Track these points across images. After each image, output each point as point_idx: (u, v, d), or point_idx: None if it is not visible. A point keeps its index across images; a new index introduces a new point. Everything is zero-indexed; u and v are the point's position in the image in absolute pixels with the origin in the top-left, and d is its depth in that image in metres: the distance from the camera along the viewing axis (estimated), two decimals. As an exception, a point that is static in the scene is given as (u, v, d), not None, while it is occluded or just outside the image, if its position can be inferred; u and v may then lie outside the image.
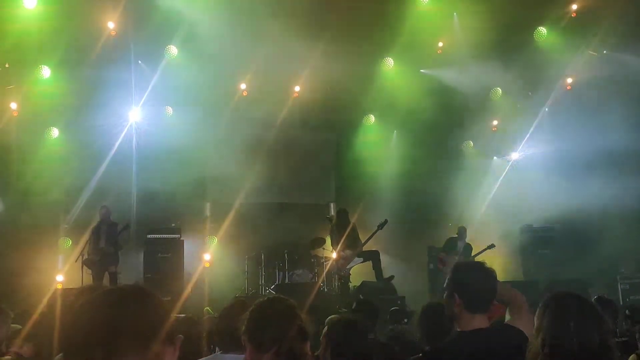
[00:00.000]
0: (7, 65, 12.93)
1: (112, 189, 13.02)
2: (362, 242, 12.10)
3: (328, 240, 13.21)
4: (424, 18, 13.46)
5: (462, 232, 13.23)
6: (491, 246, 12.74)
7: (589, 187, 12.92)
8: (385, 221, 11.90)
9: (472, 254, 12.92)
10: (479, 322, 3.28)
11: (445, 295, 3.43)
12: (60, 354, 3.90)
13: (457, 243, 13.14)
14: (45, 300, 8.95)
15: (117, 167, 13.38)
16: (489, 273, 3.40)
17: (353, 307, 5.05)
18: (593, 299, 5.83)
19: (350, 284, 12.27)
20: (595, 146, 13.43)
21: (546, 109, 15.16)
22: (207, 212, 15.05)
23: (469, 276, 3.41)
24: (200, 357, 3.67)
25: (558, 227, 14.30)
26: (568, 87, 14.77)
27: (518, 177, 14.89)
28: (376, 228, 11.89)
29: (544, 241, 14.26)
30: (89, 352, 1.44)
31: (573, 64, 14.09)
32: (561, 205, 13.53)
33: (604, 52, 13.91)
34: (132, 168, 13.62)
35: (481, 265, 3.47)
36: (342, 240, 12.02)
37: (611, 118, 13.31)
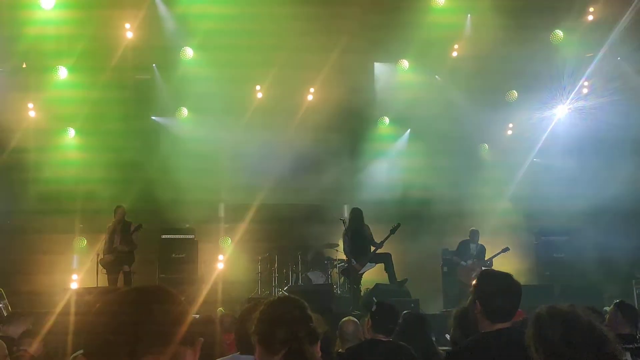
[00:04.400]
0: (24, 65, 13.04)
1: (127, 189, 13.10)
2: (376, 245, 11.99)
3: (341, 242, 13.17)
4: (440, 20, 13.48)
5: (474, 234, 13.14)
6: (505, 249, 12.67)
7: (606, 190, 12.85)
8: (398, 225, 11.78)
9: (487, 257, 12.86)
10: (500, 326, 3.32)
11: (469, 298, 3.48)
12: (76, 353, 3.95)
13: (470, 246, 13.07)
14: (60, 301, 9.04)
15: (133, 168, 13.49)
16: (514, 288, 3.41)
17: (373, 309, 4.98)
18: (614, 303, 5.80)
19: (361, 286, 12.22)
20: (613, 147, 13.40)
21: (561, 111, 15.12)
22: (221, 213, 15.08)
23: (493, 288, 3.42)
24: (215, 356, 3.67)
25: (573, 231, 14.20)
26: (585, 91, 14.69)
27: (533, 180, 14.80)
28: (389, 232, 11.81)
29: (559, 245, 14.17)
30: (111, 353, 1.44)
31: (589, 68, 14.04)
32: (577, 210, 13.46)
33: (618, 58, 13.86)
34: (148, 169, 13.70)
35: (508, 278, 3.46)
36: (354, 245, 11.94)
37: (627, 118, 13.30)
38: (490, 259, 12.71)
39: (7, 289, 10.23)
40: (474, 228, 13.22)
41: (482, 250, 13.03)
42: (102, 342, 1.46)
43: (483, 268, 12.53)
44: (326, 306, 9.63)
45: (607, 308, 6.53)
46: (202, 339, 1.58)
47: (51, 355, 5.64)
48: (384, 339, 4.77)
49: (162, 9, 12.79)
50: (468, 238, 13.17)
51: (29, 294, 11.09)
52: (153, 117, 14.48)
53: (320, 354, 2.76)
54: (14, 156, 13.25)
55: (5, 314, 8.89)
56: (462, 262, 12.90)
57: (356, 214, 12.34)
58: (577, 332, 2.64)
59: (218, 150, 13.88)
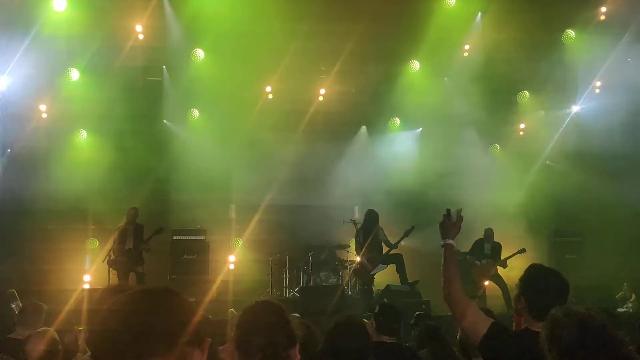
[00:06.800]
0: (36, 67, 13.11)
1: (138, 190, 13.16)
2: (390, 246, 11.94)
3: (352, 243, 13.13)
4: (450, 20, 13.44)
5: (488, 233, 13.03)
6: (522, 251, 12.46)
7: (618, 192, 12.77)
8: (412, 228, 11.71)
9: (502, 257, 12.71)
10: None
11: (515, 293, 3.44)
12: (87, 354, 3.95)
13: (484, 245, 12.97)
14: (73, 301, 9.07)
15: (144, 169, 13.54)
16: (562, 286, 3.36)
17: (376, 310, 5.02)
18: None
19: (374, 287, 12.20)
20: (625, 148, 13.31)
21: (573, 112, 15.06)
22: (232, 214, 15.10)
23: (539, 284, 3.37)
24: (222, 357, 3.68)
25: (586, 233, 14.12)
26: (597, 91, 14.61)
27: (546, 180, 14.74)
28: (403, 234, 11.78)
29: (571, 246, 14.09)
30: (119, 354, 1.44)
31: (601, 68, 13.96)
32: (589, 211, 13.39)
33: (629, 59, 13.75)
34: (159, 170, 13.76)
35: (556, 275, 3.41)
36: (366, 246, 11.90)
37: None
38: (505, 260, 12.58)
39: (19, 289, 10.28)
40: (488, 227, 13.11)
41: (498, 248, 12.87)
42: (110, 343, 1.46)
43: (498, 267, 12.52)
44: (337, 307, 9.61)
45: (620, 310, 6.49)
46: (209, 339, 1.58)
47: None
48: (388, 341, 4.79)
49: (171, 11, 12.83)
50: (482, 237, 13.07)
51: (41, 294, 11.09)
52: (165, 121, 14.57)
53: (299, 357, 2.78)
54: (26, 157, 13.35)
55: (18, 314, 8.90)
56: (477, 262, 12.80)
57: (371, 215, 12.27)
58: (592, 335, 2.63)
59: (228, 151, 13.91)
